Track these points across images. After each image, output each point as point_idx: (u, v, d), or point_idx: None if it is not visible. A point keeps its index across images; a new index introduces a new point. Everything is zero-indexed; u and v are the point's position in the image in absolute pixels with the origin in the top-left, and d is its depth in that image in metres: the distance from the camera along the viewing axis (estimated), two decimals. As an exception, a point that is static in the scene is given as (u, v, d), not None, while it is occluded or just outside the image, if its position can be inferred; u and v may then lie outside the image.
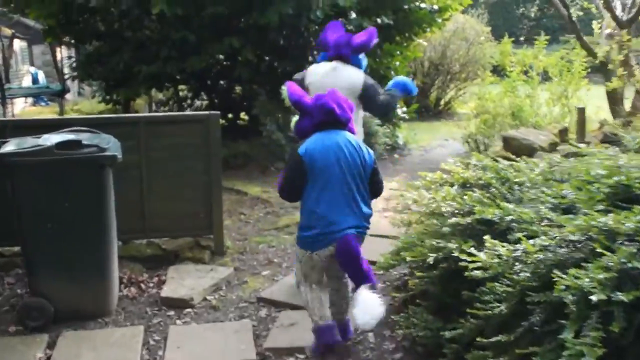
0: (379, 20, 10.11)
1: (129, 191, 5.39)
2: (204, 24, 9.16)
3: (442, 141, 12.45)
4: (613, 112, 9.51)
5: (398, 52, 11.71)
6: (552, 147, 7.16)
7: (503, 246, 2.74)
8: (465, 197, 3.63)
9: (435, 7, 11.51)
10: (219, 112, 5.77)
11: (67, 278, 4.45)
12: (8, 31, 19.19)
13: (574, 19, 10.12)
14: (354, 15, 9.66)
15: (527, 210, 3.02)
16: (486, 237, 2.88)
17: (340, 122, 3.59)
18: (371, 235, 4.13)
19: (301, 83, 4.73)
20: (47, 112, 17.76)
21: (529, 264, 2.54)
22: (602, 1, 10.08)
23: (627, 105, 10.16)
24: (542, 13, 38.95)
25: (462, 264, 2.83)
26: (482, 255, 2.71)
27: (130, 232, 5.55)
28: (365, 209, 3.62)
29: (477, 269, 2.74)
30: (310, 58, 10.03)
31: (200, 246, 5.78)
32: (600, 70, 10.71)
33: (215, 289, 5.07)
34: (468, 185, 4.19)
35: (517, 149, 7.03)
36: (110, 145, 4.50)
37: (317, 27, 9.47)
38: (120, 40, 9.90)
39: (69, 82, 16.16)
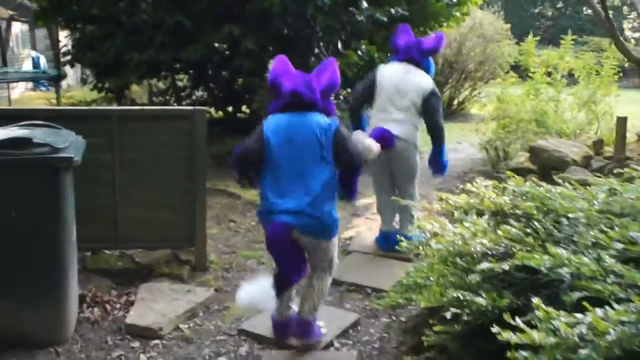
0: (392, 11, 9.33)
1: (99, 195, 4.76)
2: (202, 9, 8.41)
3: (455, 144, 11.63)
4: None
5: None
6: (586, 161, 6.39)
7: (558, 315, 1.94)
8: (499, 231, 2.85)
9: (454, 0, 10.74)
10: (204, 108, 5.03)
11: (10, 298, 3.72)
12: (6, 13, 18.46)
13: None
14: (365, 4, 8.88)
15: (587, 261, 2.25)
16: (536, 300, 2.07)
17: (307, 104, 3.54)
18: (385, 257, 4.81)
19: (372, 82, 5.14)
20: (43, 98, 17.02)
21: (599, 349, 1.77)
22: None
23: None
24: (560, 12, 38.04)
25: (501, 336, 2.04)
26: (534, 334, 1.91)
27: (100, 242, 4.89)
28: (315, 192, 3.44)
29: (522, 347, 1.95)
30: (316, 50, 9.27)
31: (179, 260, 5.05)
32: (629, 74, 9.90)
33: (190, 315, 4.33)
34: (501, 215, 3.42)
35: (547, 161, 6.25)
36: (69, 144, 3.76)
37: (323, 16, 8.69)
38: (113, 24, 9.14)
39: (68, 68, 15.43)
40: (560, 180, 5.46)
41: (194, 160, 4.88)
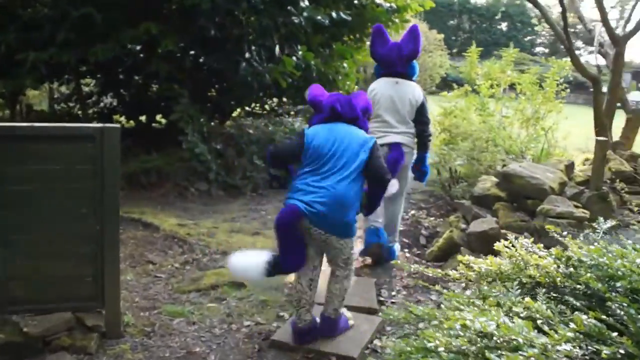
0: (333, 14, 8.34)
1: (-30, 243, 3.44)
2: (115, 2, 7.13)
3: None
4: (596, 131, 8.07)
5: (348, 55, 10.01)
6: (561, 188, 5.58)
7: None
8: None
9: (394, 5, 9.85)
10: (116, 126, 3.78)
11: None
12: None
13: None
14: (306, 2, 7.83)
15: None
16: None
17: (344, 118, 3.85)
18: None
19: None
20: None
21: None
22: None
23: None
24: (477, 26, 38.41)
25: None
26: None
27: (-27, 305, 3.57)
28: (343, 192, 3.59)
29: None
30: (247, 54, 8.14)
31: (84, 327, 3.79)
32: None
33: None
34: (550, 288, 2.44)
35: (522, 189, 5.39)
36: None
37: (256, 15, 7.58)
38: (4, 15, 7.68)
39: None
40: (541, 216, 4.61)
41: (103, 193, 3.67)
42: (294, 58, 8.58)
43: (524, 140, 8.96)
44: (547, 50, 38.10)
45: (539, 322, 2.18)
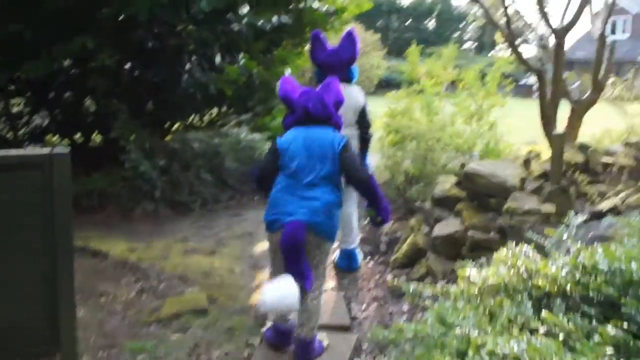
0: (274, 19, 8.10)
1: None
2: (47, 16, 6.70)
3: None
4: (546, 132, 8.08)
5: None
6: (522, 184, 5.51)
7: None
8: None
9: (332, 8, 9.69)
10: (66, 151, 3.46)
11: None
12: None
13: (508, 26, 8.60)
14: (247, 8, 7.57)
15: None
16: None
17: (318, 119, 3.85)
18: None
19: None
20: None
21: None
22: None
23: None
24: (404, 25, 38.82)
25: None
26: None
27: None
28: (326, 196, 3.68)
29: None
30: (187, 65, 7.83)
31: (38, 374, 3.46)
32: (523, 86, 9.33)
33: None
34: (563, 297, 2.28)
35: (484, 188, 5.27)
36: None
37: (193, 26, 7.29)
38: None
39: None
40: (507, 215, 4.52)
41: (54, 226, 3.34)
42: (236, 66, 8.33)
43: (469, 137, 8.95)
44: (474, 46, 38.74)
45: (560, 337, 2.02)
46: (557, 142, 5.60)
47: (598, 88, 8.06)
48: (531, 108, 9.76)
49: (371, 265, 5.70)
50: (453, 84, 10.34)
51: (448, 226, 5.26)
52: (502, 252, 2.72)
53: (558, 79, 8.03)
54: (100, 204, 7.08)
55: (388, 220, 4.11)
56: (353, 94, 5.17)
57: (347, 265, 5.44)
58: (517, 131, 9.90)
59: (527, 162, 6.04)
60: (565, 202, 5.44)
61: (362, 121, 5.25)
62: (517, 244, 4.44)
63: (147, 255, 5.66)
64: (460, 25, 45.69)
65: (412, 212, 7.12)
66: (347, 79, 5.19)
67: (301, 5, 9.19)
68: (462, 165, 5.92)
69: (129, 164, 7.16)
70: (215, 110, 9.26)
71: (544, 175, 6.27)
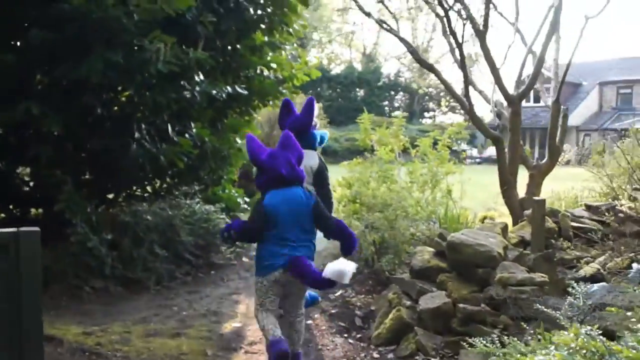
0: (228, 88, 7.82)
1: None
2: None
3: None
4: (507, 198, 8.01)
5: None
6: (505, 252, 5.32)
7: None
8: None
9: (280, 76, 9.50)
10: (37, 230, 3.01)
11: None
12: None
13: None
14: (201, 77, 7.27)
15: None
16: None
17: (290, 181, 4.44)
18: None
19: None
20: None
21: None
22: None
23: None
24: (337, 93, 39.40)
25: None
26: None
27: None
28: (308, 244, 4.46)
29: None
30: (137, 134, 7.42)
31: None
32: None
33: None
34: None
35: (471, 258, 5.03)
36: None
37: (149, 90, 6.92)
38: None
39: None
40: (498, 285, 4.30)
41: (22, 317, 2.87)
42: (187, 135, 7.98)
43: (427, 204, 8.80)
44: (404, 114, 39.50)
45: None
46: (538, 209, 5.49)
47: (555, 153, 8.09)
48: (477, 173, 9.69)
49: (351, 342, 5.32)
50: (404, 152, 10.25)
51: (434, 299, 4.98)
52: (563, 335, 2.43)
53: (516, 145, 8.03)
54: (45, 282, 6.46)
55: (354, 249, 4.70)
56: (308, 158, 5.16)
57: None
58: (470, 197, 9.84)
59: (504, 230, 5.87)
60: (550, 270, 5.27)
61: (320, 183, 5.41)
62: (522, 318, 4.20)
63: (106, 339, 5.10)
64: (388, 94, 46.80)
65: (382, 284, 6.82)
66: (309, 144, 5.32)
67: (251, 74, 8.99)
68: (440, 235, 5.69)
69: (76, 238, 6.61)
70: (163, 181, 8.79)
71: (522, 242, 6.13)
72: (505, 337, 3.67)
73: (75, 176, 7.34)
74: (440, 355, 4.63)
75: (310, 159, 5.33)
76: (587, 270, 5.67)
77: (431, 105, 47.79)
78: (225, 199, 9.41)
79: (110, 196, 8.20)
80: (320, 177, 5.43)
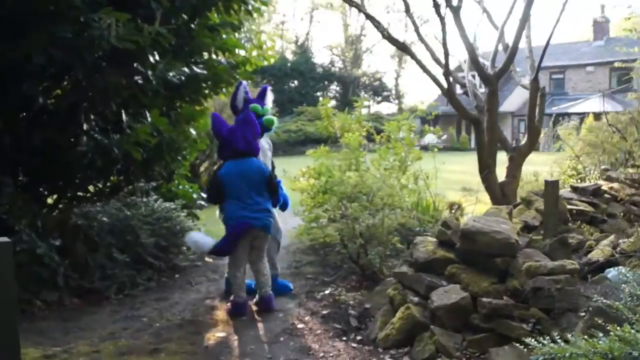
0: (186, 70, 7.10)
1: None
2: None
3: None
4: (486, 182, 7.58)
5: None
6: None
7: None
8: None
9: (233, 61, 8.78)
10: (9, 241, 2.31)
11: None
12: None
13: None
14: (155, 56, 6.50)
15: None
16: None
17: (245, 153, 5.49)
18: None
19: None
20: None
21: None
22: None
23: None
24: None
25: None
26: None
27: None
28: (265, 205, 5.55)
29: None
30: (85, 125, 6.62)
31: None
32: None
33: None
34: None
35: (488, 247, 4.50)
36: None
37: (98, 74, 6.12)
38: None
39: None
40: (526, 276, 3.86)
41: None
42: (139, 125, 7.19)
43: (406, 192, 8.28)
44: (338, 103, 39.19)
45: None
46: (552, 191, 5.02)
47: (534, 134, 7.72)
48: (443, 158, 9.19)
49: (354, 346, 4.74)
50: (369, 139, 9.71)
51: (449, 294, 4.44)
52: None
53: (493, 127, 7.60)
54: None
55: (287, 207, 6.33)
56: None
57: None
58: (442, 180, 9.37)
59: (510, 215, 5.38)
60: (566, 255, 4.82)
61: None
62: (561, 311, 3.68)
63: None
64: (322, 84, 46.38)
65: (368, 279, 6.27)
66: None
67: (204, 57, 8.25)
68: (445, 224, 5.14)
69: (22, 246, 5.78)
70: (115, 178, 7.94)
71: (526, 228, 5.67)
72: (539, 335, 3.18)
73: (16, 176, 6.51)
74: (465, 355, 4.11)
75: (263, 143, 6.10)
76: (598, 254, 5.27)
77: (364, 94, 47.58)
78: (181, 195, 8.62)
79: (57, 197, 7.34)
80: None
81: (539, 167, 11.18)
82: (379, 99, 47.84)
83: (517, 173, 7.68)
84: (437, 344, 4.22)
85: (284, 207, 6.15)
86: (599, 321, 3.25)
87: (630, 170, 8.66)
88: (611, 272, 4.69)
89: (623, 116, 11.65)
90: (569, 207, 6.25)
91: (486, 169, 7.46)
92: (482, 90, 8.21)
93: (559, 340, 3.05)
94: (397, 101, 49.98)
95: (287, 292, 6.12)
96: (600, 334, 3.04)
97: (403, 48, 7.79)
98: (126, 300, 6.04)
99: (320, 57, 57.37)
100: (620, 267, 4.77)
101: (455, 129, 36.80)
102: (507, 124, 40.89)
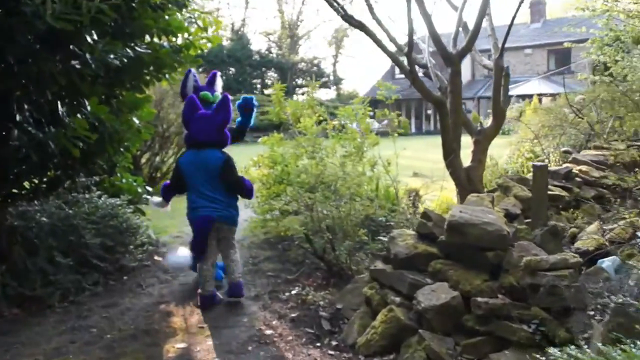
0: (129, 51, 6.49)
1: None
2: None
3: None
4: (451, 167, 7.21)
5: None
6: (504, 229, 4.50)
7: None
8: None
9: (176, 45, 8.14)
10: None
11: None
12: None
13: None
14: (94, 36, 5.87)
15: None
16: None
17: (205, 144, 5.38)
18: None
19: None
20: None
21: None
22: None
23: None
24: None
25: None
26: None
27: None
28: (222, 197, 5.37)
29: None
30: (18, 117, 5.94)
31: None
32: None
33: None
34: None
35: (478, 241, 4.12)
36: None
37: (32, 59, 5.48)
38: None
39: None
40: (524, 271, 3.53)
41: None
42: (79, 115, 6.53)
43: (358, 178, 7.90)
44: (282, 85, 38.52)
45: None
46: (541, 177, 4.69)
47: (500, 115, 7.42)
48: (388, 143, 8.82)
49: (332, 353, 4.31)
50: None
51: (437, 293, 4.06)
52: None
53: (458, 109, 7.27)
54: None
55: (252, 195, 5.75)
56: None
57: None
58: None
59: (492, 203, 5.04)
60: (557, 246, 4.52)
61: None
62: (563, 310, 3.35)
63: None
64: (260, 71, 45.64)
65: (335, 275, 5.86)
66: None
67: (145, 40, 7.62)
68: (425, 215, 4.76)
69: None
70: (52, 173, 7.23)
71: (507, 216, 5.34)
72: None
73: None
74: (463, 366, 3.74)
75: None
76: (587, 243, 5.00)
77: (300, 81, 47.05)
78: (126, 189, 7.98)
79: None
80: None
81: (493, 150, 10.99)
82: (318, 85, 47.39)
83: (482, 157, 7.38)
84: (427, 350, 3.83)
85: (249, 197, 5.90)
86: (622, 322, 2.94)
87: (594, 152, 8.53)
88: (605, 263, 4.42)
89: (576, 97, 11.60)
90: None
91: (451, 153, 7.12)
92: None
93: (584, 347, 2.70)
94: (335, 87, 49.75)
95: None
96: (626, 339, 2.72)
97: (360, 26, 7.34)
98: (72, 308, 5.43)
99: (257, 43, 56.53)
100: (613, 256, 4.51)
101: (390, 112, 36.70)
102: (446, 108, 41.12)
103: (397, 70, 44.10)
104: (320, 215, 5.92)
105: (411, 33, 6.58)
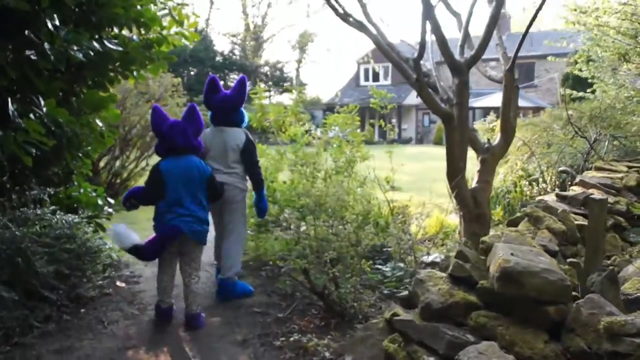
0: (95, 44, 5.56)
1: None
2: None
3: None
4: (457, 189, 6.41)
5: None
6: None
7: None
8: None
9: (149, 41, 7.20)
10: None
11: None
12: None
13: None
14: (55, 21, 4.93)
15: None
16: None
17: (186, 150, 5.07)
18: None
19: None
20: None
21: None
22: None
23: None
24: (169, 72, 36.48)
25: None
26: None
27: None
28: (197, 211, 4.99)
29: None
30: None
31: None
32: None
33: None
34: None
35: (536, 293, 3.23)
36: None
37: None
38: None
39: None
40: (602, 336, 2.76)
41: None
42: (33, 116, 5.54)
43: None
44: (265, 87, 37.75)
45: None
46: (599, 211, 3.90)
47: (509, 132, 6.67)
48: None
49: None
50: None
51: (486, 356, 3.19)
52: None
53: (464, 123, 6.48)
54: None
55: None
56: (232, 135, 5.67)
57: (224, 295, 5.69)
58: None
59: (533, 239, 4.23)
60: (616, 295, 3.74)
61: (247, 160, 5.68)
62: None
63: None
64: (223, 73, 44.60)
65: (336, 315, 4.98)
66: (236, 122, 5.76)
67: (112, 33, 6.69)
68: (460, 254, 3.92)
69: None
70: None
71: (547, 253, 4.53)
72: None
73: None
74: None
75: (237, 136, 5.67)
76: (632, 286, 4.24)
77: (263, 85, 46.19)
78: (84, 201, 6.94)
79: None
80: (247, 154, 5.67)
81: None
82: (281, 89, 46.51)
83: (490, 178, 6.61)
84: None
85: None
86: None
87: (598, 174, 7.86)
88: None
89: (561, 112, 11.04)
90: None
91: (458, 172, 6.33)
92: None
93: None
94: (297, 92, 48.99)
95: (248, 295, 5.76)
96: None
97: (360, 26, 6.50)
98: (16, 353, 4.39)
99: (220, 44, 55.48)
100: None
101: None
102: (410, 118, 40.71)
103: (362, 77, 43.65)
104: (322, 245, 5.01)
105: (424, 37, 5.76)
